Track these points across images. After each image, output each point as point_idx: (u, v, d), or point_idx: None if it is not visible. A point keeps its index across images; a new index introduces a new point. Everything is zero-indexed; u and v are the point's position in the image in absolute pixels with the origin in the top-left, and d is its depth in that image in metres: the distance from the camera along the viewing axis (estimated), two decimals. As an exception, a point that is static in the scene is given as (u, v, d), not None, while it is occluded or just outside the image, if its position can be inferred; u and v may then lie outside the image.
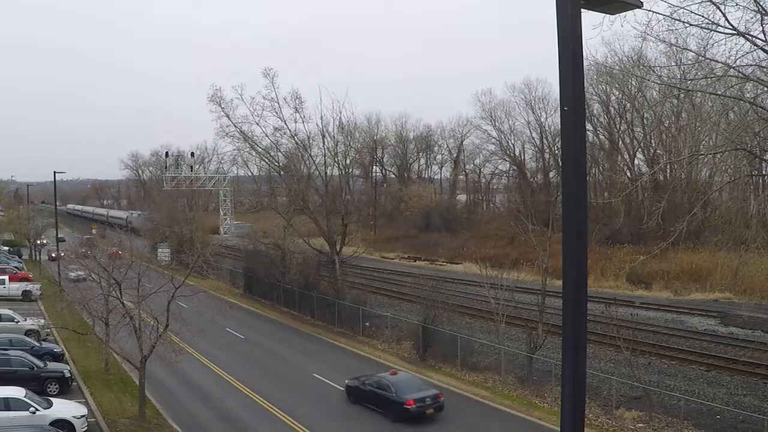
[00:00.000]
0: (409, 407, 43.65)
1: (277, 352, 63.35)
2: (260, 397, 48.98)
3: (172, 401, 48.97)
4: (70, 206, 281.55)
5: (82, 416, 40.54)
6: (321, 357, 61.57)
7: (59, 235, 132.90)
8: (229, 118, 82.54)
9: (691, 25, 31.66)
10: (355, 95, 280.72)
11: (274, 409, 46.26)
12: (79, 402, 44.27)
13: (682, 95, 76.61)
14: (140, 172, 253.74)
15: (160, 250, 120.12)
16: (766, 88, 35.19)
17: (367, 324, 69.67)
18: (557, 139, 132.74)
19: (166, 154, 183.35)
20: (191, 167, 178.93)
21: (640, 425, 42.28)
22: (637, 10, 11.69)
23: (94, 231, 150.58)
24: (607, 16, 15.12)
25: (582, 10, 8.86)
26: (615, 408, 44.30)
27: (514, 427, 43.93)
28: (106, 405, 46.04)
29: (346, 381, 49.56)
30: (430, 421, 44.30)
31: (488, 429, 43.82)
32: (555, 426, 39.66)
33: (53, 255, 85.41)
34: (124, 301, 45.99)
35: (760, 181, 48.16)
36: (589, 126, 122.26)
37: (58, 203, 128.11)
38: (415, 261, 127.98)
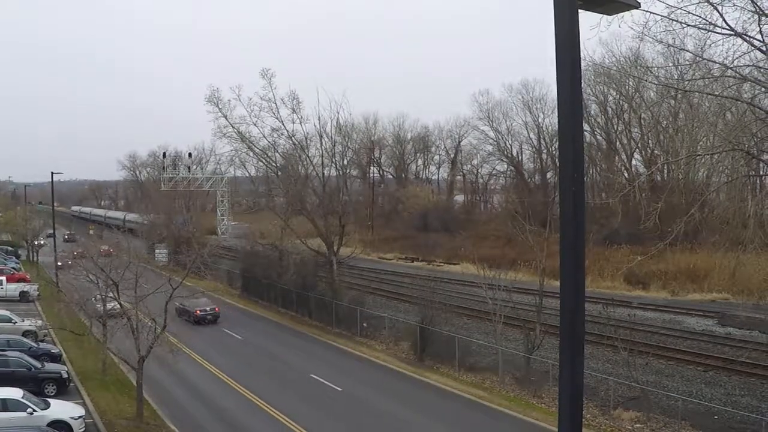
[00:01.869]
0: (197, 315, 70.17)
1: (275, 352, 63.34)
2: (258, 398, 48.97)
3: (170, 402, 48.94)
4: (75, 208, 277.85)
5: (80, 417, 40.51)
6: (319, 358, 61.58)
7: (70, 232, 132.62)
8: (226, 119, 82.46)
9: (688, 25, 31.69)
10: (352, 96, 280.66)
11: (271, 410, 46.25)
12: (76, 403, 44.23)
13: (679, 96, 76.51)
14: (138, 172, 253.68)
15: (157, 250, 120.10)
16: (763, 89, 35.22)
17: (364, 325, 69.66)
18: (555, 140, 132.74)
19: (164, 154, 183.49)
20: (189, 168, 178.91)
21: (638, 426, 42.32)
22: (634, 11, 11.71)
23: (91, 232, 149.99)
24: (605, 16, 15.18)
25: (579, 10, 8.86)
26: (613, 408, 44.35)
27: (512, 428, 43.99)
28: (103, 406, 45.98)
29: (176, 304, 55.09)
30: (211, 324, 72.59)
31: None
32: (553, 426, 39.67)
33: (60, 264, 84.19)
34: (122, 302, 46.02)
35: (758, 181, 48.11)
36: (586, 126, 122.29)
37: (55, 204, 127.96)
38: (412, 261, 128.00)
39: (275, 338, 70.00)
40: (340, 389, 51.14)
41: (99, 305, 51.31)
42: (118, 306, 45.98)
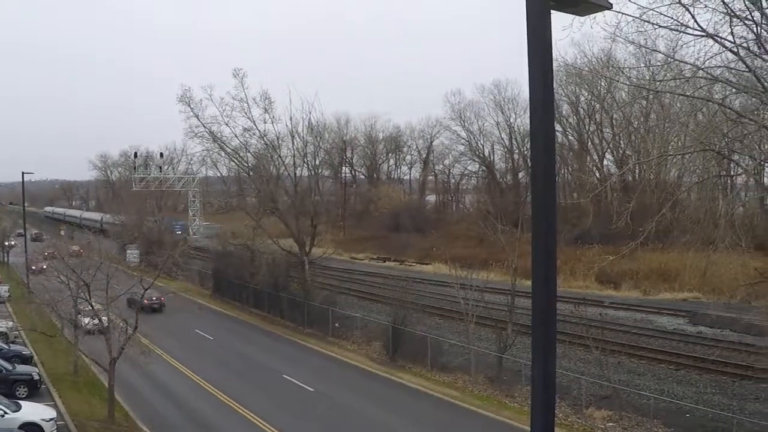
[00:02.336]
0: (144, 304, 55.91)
1: (247, 353, 63.21)
2: (230, 399, 48.87)
3: (142, 403, 48.78)
4: (48, 209, 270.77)
5: (51, 419, 40.32)
6: (291, 358, 61.54)
7: (37, 232, 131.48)
8: (198, 119, 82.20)
9: (660, 26, 31.77)
10: (324, 96, 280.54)
11: (244, 411, 46.17)
12: (48, 405, 44.01)
13: (651, 96, 76.57)
14: (109, 172, 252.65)
15: (129, 251, 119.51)
16: (734, 90, 35.37)
17: (336, 325, 69.62)
18: (526, 140, 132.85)
19: (135, 154, 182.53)
20: (160, 168, 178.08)
21: (610, 424, 42.52)
22: (606, 12, 11.76)
23: (62, 232, 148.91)
24: (577, 17, 15.17)
25: (551, 11, 8.87)
26: (585, 407, 44.55)
27: (484, 427, 44.07)
28: (75, 407, 45.75)
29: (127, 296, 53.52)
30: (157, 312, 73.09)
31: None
32: (525, 426, 39.71)
33: (33, 267, 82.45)
34: (93, 303, 45.87)
35: (729, 181, 48.35)
36: (558, 127, 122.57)
37: (27, 204, 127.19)
38: (384, 262, 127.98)
39: (247, 339, 69.87)
40: (312, 390, 51.12)
41: (73, 308, 51.02)
42: (97, 321, 45.73)
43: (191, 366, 57.78)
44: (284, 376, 54.92)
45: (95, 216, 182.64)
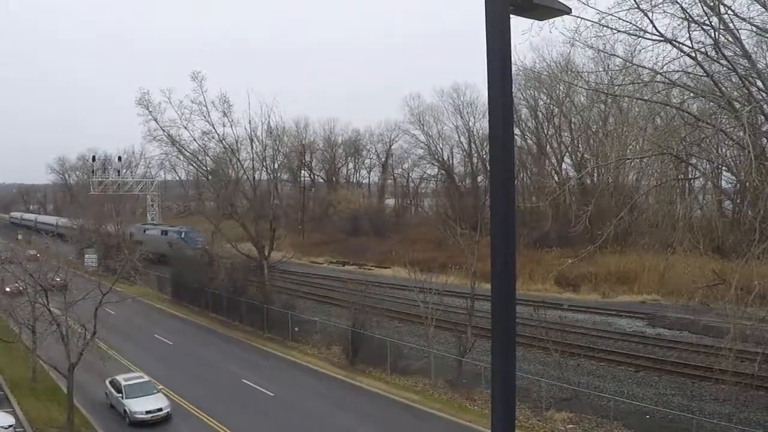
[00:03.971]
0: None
1: (206, 358, 62.95)
2: (189, 404, 48.72)
3: (101, 409, 48.49)
4: (16, 214, 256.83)
5: (10, 426, 40.07)
6: (250, 362, 61.35)
7: None
8: (156, 122, 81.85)
9: (618, 31, 32.02)
10: (283, 100, 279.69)
11: (204, 416, 46.08)
12: (6, 412, 43.77)
13: (609, 100, 77.42)
14: (67, 176, 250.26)
15: (87, 255, 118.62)
16: (692, 94, 35.67)
17: (296, 329, 69.44)
18: (485, 144, 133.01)
19: (93, 158, 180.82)
20: (118, 172, 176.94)
21: (571, 426, 42.69)
22: (565, 17, 11.80)
23: (19, 237, 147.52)
24: (536, 21, 15.19)
25: (510, 15, 8.87)
26: (545, 409, 44.76)
27: (444, 430, 44.13)
28: (33, 414, 45.48)
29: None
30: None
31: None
32: (486, 428, 39.84)
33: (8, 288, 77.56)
34: (51, 308, 45.56)
35: (686, 184, 48.70)
36: (517, 131, 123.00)
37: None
38: (343, 265, 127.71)
39: (207, 343, 69.53)
40: (272, 394, 51.03)
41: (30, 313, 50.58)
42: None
43: (150, 371, 57.25)
44: (244, 380, 54.73)
45: (65, 222, 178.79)
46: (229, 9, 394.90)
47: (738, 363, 41.80)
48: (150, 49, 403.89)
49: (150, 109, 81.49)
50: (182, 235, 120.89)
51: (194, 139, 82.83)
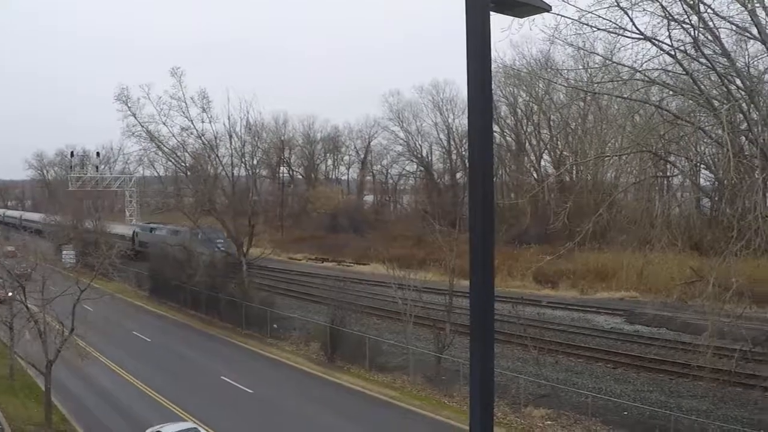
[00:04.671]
0: None
1: (185, 355, 62.83)
2: (169, 401, 48.49)
3: (79, 407, 48.24)
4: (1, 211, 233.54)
5: (-13, 423, 39.90)
6: (229, 359, 61.22)
7: None
8: (135, 118, 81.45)
9: (598, 29, 32.09)
10: (262, 96, 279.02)
11: (182, 413, 45.77)
12: (-17, 409, 43.61)
13: (588, 98, 77.58)
14: (45, 172, 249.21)
15: (64, 252, 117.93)
16: (671, 92, 35.74)
17: (274, 326, 69.34)
18: (464, 141, 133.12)
19: (72, 153, 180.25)
20: (97, 167, 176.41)
21: (549, 423, 42.79)
22: (545, 14, 11.80)
23: None
24: (516, 19, 15.21)
25: (491, 12, 8.85)
26: (524, 406, 44.80)
27: (423, 427, 44.14)
28: (11, 412, 45.20)
29: None
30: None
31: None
32: (464, 425, 39.79)
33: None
34: (29, 305, 45.34)
35: (665, 182, 48.93)
36: (496, 128, 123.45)
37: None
38: (322, 262, 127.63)
39: (185, 340, 69.38)
40: (251, 391, 50.90)
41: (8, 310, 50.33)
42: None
43: (129, 368, 57.25)
44: (222, 377, 54.62)
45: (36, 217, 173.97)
46: (208, 8, 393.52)
47: (716, 360, 42.03)
48: (130, 47, 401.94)
49: (129, 105, 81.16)
50: (198, 236, 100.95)
51: (173, 135, 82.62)
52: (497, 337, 42.14)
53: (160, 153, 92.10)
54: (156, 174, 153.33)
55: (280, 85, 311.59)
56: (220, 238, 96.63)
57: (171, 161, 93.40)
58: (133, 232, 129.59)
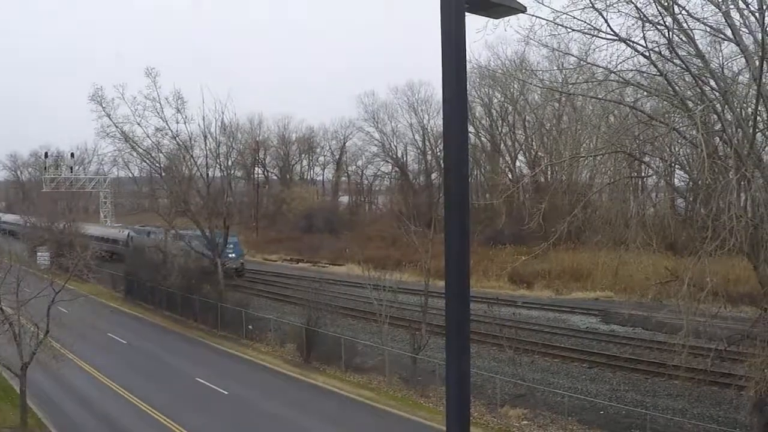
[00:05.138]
0: None
1: (160, 356, 62.65)
2: (144, 403, 48.34)
3: (55, 409, 48.01)
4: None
5: (-39, 426, 39.71)
6: (204, 361, 61.11)
7: None
8: (110, 118, 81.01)
9: (573, 30, 32.24)
10: (237, 97, 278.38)
11: (158, 415, 45.74)
12: (-43, 411, 43.39)
13: (563, 99, 77.81)
14: (19, 173, 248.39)
15: (39, 253, 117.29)
16: (645, 93, 35.93)
17: (250, 327, 69.17)
18: (439, 141, 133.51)
19: (46, 154, 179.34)
20: (71, 168, 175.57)
21: (525, 422, 42.97)
22: (520, 15, 11.83)
23: None
24: (491, 20, 15.28)
25: (466, 13, 8.88)
26: (500, 406, 44.96)
27: (399, 427, 44.19)
28: (-15, 414, 45.13)
29: None
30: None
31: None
32: (440, 425, 39.94)
33: None
34: (3, 307, 45.14)
35: (639, 182, 49.07)
36: (471, 128, 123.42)
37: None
38: (297, 263, 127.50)
39: (160, 342, 69.18)
40: (226, 393, 50.82)
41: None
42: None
43: (104, 370, 57.05)
44: (198, 379, 54.51)
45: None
46: (182, 7, 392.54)
47: (691, 359, 42.20)
48: (104, 48, 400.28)
49: (103, 105, 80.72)
50: (205, 241, 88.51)
51: (147, 136, 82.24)
52: (473, 337, 42.35)
53: (134, 154, 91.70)
54: (130, 175, 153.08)
55: (255, 86, 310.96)
56: (231, 244, 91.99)
57: (145, 162, 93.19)
58: (128, 235, 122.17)
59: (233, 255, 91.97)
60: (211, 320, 73.72)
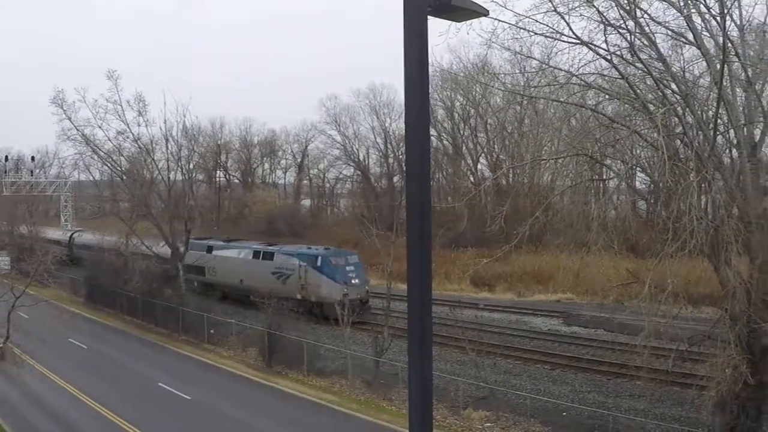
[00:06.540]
0: None
1: (122, 361, 62.29)
2: (106, 409, 48.09)
3: (15, 416, 47.65)
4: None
5: None
6: (166, 366, 60.88)
7: None
8: (71, 121, 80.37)
9: (535, 33, 32.34)
10: (199, 100, 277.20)
11: (120, 421, 45.53)
12: None
13: (525, 102, 77.96)
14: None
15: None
16: (607, 96, 36.10)
17: (211, 331, 68.92)
18: (401, 144, 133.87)
19: (6, 158, 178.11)
20: (31, 172, 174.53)
21: (488, 424, 43.09)
22: (482, 19, 11.81)
23: None
24: (453, 23, 15.24)
25: (428, 16, 8.88)
26: (462, 408, 45.08)
27: (362, 431, 44.19)
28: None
29: None
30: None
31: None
32: (404, 428, 39.98)
33: None
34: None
35: (601, 185, 49.37)
36: (433, 131, 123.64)
37: None
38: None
39: (122, 347, 68.81)
40: (189, 397, 50.65)
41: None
42: None
43: (65, 375, 56.73)
44: (160, 384, 54.26)
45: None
46: (145, 5, 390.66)
47: (653, 360, 42.37)
48: (65, 51, 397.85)
49: (64, 108, 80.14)
50: (318, 261, 74.52)
51: (109, 139, 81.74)
52: (435, 340, 42.29)
53: (95, 157, 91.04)
54: (91, 178, 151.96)
55: (217, 89, 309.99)
56: (352, 265, 75.91)
57: (107, 165, 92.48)
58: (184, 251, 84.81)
59: (357, 281, 73.26)
60: (173, 324, 73.37)
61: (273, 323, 59.86)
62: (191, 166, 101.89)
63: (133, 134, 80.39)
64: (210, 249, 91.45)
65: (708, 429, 38.18)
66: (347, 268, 74.07)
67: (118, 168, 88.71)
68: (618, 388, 48.70)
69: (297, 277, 75.00)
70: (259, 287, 69.40)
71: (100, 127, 79.81)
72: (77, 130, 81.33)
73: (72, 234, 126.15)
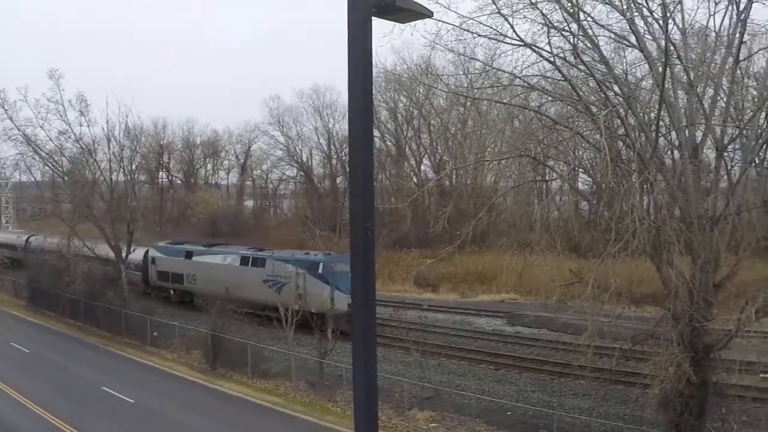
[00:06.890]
0: None
1: (65, 365, 61.70)
2: (49, 414, 47.51)
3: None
4: None
5: None
6: (109, 369, 60.36)
7: None
8: (12, 121, 79.59)
9: (479, 35, 32.43)
10: (142, 101, 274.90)
11: (64, 425, 45.07)
12: None
13: (468, 103, 78.35)
14: None
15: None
16: (550, 98, 36.29)
17: (155, 334, 68.48)
18: (345, 145, 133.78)
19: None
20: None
21: (434, 425, 43.22)
22: (427, 20, 11.85)
23: None
24: (398, 24, 15.26)
25: (373, 17, 8.89)
26: (408, 409, 45.19)
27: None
28: None
29: None
30: None
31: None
32: (349, 429, 39.80)
33: None
34: None
35: (543, 186, 49.66)
36: (376, 132, 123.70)
37: None
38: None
39: (64, 350, 68.18)
40: (132, 401, 50.24)
41: None
42: None
43: (6, 380, 56.04)
44: (103, 387, 53.76)
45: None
46: (89, 9, 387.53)
47: (596, 359, 42.68)
48: (6, 47, 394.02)
49: (5, 108, 79.43)
50: (319, 269, 68.80)
51: (50, 139, 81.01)
52: (379, 340, 42.35)
53: (37, 157, 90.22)
54: (33, 179, 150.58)
55: (160, 90, 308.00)
56: (345, 273, 59.88)
57: (48, 166, 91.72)
58: (151, 258, 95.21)
59: (347, 296, 56.31)
60: (116, 327, 72.76)
61: (217, 325, 59.60)
62: (134, 166, 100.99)
63: (75, 134, 79.71)
64: (189, 254, 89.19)
65: (652, 426, 38.52)
66: (349, 275, 68.29)
67: (60, 168, 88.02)
68: (562, 387, 49.16)
69: (294, 286, 69.37)
70: (249, 296, 69.39)
71: (41, 127, 79.02)
72: (18, 129, 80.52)
73: (28, 237, 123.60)
